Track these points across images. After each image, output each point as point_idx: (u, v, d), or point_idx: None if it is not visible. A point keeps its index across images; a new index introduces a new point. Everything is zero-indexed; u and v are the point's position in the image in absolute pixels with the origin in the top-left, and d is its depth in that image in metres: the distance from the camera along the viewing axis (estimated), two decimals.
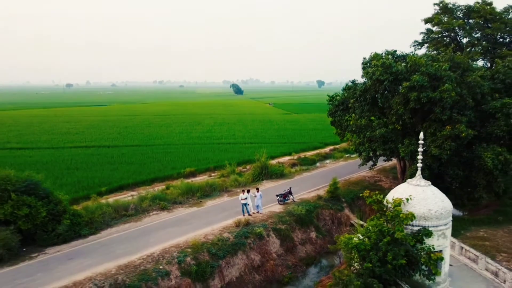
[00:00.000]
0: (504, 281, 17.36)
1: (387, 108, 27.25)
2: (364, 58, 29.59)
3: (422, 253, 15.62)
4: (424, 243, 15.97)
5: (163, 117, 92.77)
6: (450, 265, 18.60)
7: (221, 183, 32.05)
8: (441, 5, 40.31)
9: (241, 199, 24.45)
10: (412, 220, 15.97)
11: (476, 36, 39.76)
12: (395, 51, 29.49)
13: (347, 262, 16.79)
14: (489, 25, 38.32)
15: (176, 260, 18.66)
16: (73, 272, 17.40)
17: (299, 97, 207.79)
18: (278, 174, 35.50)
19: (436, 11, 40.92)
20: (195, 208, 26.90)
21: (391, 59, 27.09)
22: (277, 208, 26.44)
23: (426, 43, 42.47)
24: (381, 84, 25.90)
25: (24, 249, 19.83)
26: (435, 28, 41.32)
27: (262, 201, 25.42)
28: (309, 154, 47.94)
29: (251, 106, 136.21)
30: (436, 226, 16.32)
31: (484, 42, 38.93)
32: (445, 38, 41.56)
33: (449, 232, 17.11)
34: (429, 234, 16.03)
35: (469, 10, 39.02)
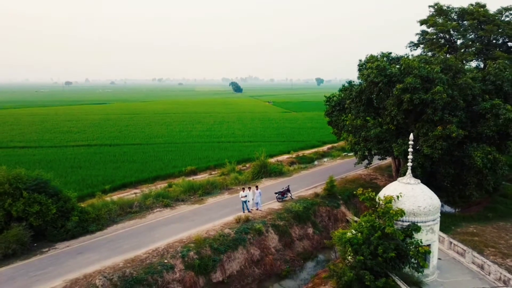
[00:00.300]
0: (489, 273, 18.44)
1: (381, 108, 28.12)
2: (360, 60, 30.52)
3: (411, 247, 16.71)
4: (413, 237, 17.06)
5: (163, 115, 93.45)
6: (439, 258, 19.65)
7: (221, 181, 32.94)
8: (436, 7, 41.29)
9: (241, 197, 25.33)
10: (401, 216, 17.07)
11: (470, 37, 40.76)
12: (390, 53, 30.44)
13: (341, 256, 17.86)
14: (482, 27, 39.28)
15: (180, 254, 19.63)
16: (83, 265, 18.37)
17: (298, 95, 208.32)
18: (277, 172, 36.36)
19: (431, 13, 41.88)
20: (197, 205, 27.85)
21: (385, 62, 28.03)
22: (276, 205, 27.36)
23: (422, 44, 43.48)
24: (376, 85, 26.78)
25: (35, 244, 20.83)
26: (430, 30, 42.27)
27: (261, 199, 26.30)
28: (307, 152, 48.83)
29: (250, 105, 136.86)
30: (425, 222, 17.43)
31: (477, 44, 39.89)
32: (439, 40, 42.52)
33: (437, 227, 18.19)
34: (418, 229, 17.14)
35: (463, 12, 40.00)
